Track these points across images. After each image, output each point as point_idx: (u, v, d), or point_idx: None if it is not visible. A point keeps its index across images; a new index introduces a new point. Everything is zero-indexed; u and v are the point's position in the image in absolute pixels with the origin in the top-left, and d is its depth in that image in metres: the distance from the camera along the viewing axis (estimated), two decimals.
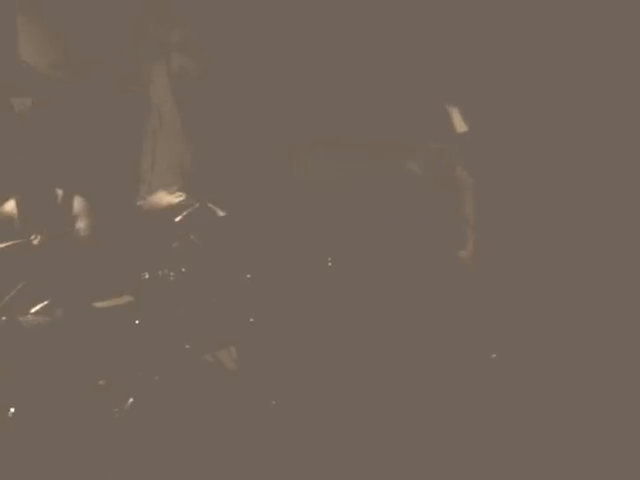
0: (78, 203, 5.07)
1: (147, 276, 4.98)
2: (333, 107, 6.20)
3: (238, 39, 6.28)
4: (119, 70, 6.28)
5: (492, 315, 5.35)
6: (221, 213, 5.14)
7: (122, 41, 6.27)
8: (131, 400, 4.63)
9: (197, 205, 5.12)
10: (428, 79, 5.88)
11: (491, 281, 5.47)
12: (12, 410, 4.42)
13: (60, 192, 5.05)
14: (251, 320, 5.21)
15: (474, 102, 5.81)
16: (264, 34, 6.24)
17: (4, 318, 4.55)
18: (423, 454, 4.53)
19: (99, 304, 4.85)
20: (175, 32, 6.37)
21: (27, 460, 4.34)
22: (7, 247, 4.70)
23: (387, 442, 4.60)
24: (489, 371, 5.10)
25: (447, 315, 5.36)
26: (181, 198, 5.28)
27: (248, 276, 5.31)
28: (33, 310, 4.66)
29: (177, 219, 5.06)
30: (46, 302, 4.68)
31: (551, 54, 5.73)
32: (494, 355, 5.15)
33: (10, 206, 4.93)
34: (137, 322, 4.87)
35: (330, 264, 5.51)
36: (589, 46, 5.62)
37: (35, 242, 4.72)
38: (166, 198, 5.30)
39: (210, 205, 5.12)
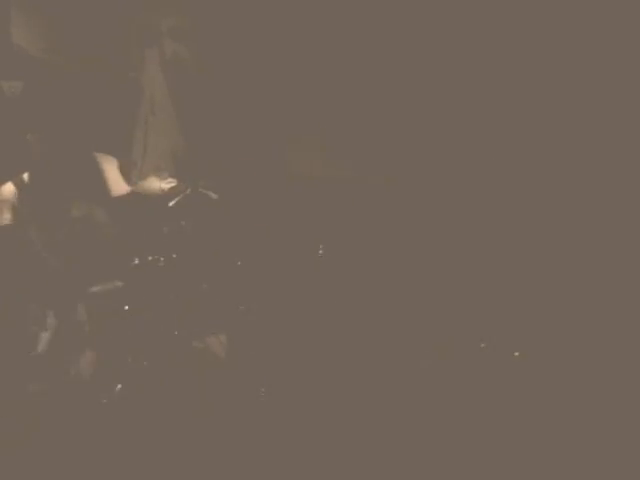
0: (67, 189, 5.05)
1: (137, 261, 4.98)
2: (328, 100, 6.19)
3: (232, 26, 6.25)
4: (112, 56, 6.25)
5: (484, 305, 5.36)
6: (212, 199, 5.14)
7: (115, 27, 6.25)
8: (119, 386, 4.64)
9: (188, 191, 5.12)
10: (424, 78, 5.88)
11: (484, 271, 5.48)
12: None
13: (50, 176, 5.02)
14: (241, 307, 5.21)
15: (472, 101, 5.83)
16: (259, 21, 6.22)
17: None
18: (411, 442, 4.53)
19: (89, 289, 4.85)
20: (168, 18, 6.34)
21: (15, 447, 4.34)
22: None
23: (376, 431, 4.60)
24: (480, 361, 5.10)
25: (438, 305, 5.36)
26: (172, 184, 5.28)
27: (239, 263, 5.31)
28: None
29: (170, 204, 5.06)
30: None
31: (549, 57, 5.75)
32: (483, 345, 5.14)
33: (8, 190, 4.90)
34: (126, 307, 4.87)
35: (321, 252, 5.50)
36: (588, 47, 5.63)
37: (28, 226, 4.70)
38: (157, 184, 5.30)
39: (202, 191, 5.12)
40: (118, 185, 4.90)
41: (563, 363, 5.04)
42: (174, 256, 5.06)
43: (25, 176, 4.91)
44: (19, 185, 4.87)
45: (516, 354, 4.99)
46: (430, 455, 4.44)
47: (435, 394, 4.87)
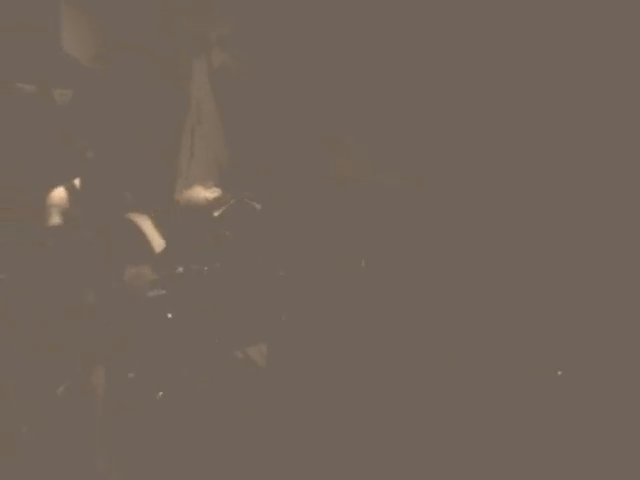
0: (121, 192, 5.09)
1: (181, 270, 5.01)
2: (372, 108, 6.19)
3: (279, 36, 6.28)
4: (160, 65, 6.31)
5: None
6: (257, 210, 5.16)
7: (164, 36, 6.30)
8: (160, 394, 4.66)
9: (233, 201, 5.14)
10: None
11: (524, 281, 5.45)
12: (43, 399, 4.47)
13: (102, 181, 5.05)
14: (283, 317, 5.22)
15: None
16: (305, 32, 6.24)
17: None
18: (456, 458, 4.51)
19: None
20: (216, 28, 6.39)
21: (55, 450, 4.38)
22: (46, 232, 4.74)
23: (421, 446, 4.58)
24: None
25: (475, 322, 5.34)
26: (217, 194, 5.30)
27: (281, 274, 5.33)
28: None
29: (215, 214, 5.09)
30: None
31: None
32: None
33: (59, 195, 4.95)
34: (169, 316, 4.89)
35: (364, 265, 5.50)
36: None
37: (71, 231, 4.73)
38: (203, 193, 5.33)
39: (246, 201, 5.14)
40: (159, 241, 4.94)
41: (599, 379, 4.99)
42: (218, 265, 5.08)
43: (76, 182, 4.97)
44: (70, 190, 4.93)
45: (559, 373, 4.95)
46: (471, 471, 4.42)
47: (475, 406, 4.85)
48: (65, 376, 4.56)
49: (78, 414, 4.48)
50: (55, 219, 4.86)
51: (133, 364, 4.71)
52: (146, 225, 4.84)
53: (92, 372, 4.57)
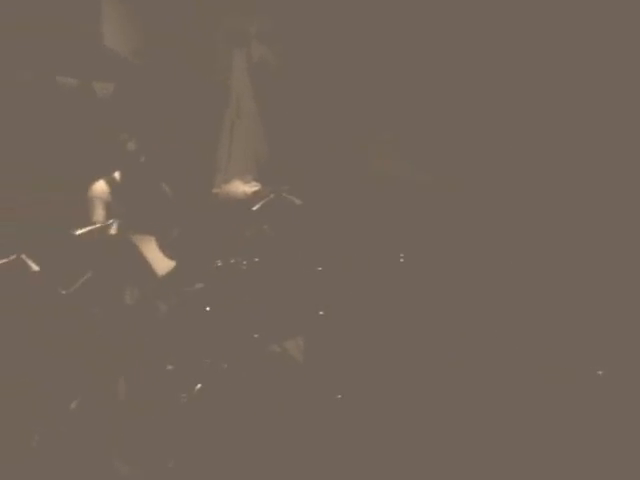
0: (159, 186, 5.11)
1: (220, 264, 5.02)
2: (410, 105, 6.18)
3: (318, 30, 6.29)
4: (200, 60, 6.34)
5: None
6: (296, 204, 5.15)
7: (204, 31, 6.33)
8: (199, 386, 4.68)
9: (272, 196, 5.13)
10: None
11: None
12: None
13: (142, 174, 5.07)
14: (320, 312, 5.22)
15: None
16: (343, 26, 6.24)
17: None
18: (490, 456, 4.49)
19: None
20: (255, 22, 6.41)
21: (95, 442, 4.41)
22: (85, 233, 4.76)
23: (460, 441, 4.56)
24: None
25: (512, 311, 5.32)
26: (256, 188, 5.31)
27: (319, 268, 5.33)
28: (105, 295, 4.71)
29: (253, 209, 5.09)
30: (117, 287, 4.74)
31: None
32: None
33: (100, 187, 4.99)
34: (208, 309, 4.91)
35: (402, 260, 5.49)
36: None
37: (112, 229, 4.75)
38: (242, 187, 5.34)
39: (285, 196, 5.14)
40: (162, 263, 4.89)
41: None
42: (256, 260, 5.09)
43: (117, 174, 5.00)
44: (111, 183, 4.96)
45: (599, 372, 4.90)
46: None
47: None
48: (86, 382, 4.60)
49: (99, 418, 4.51)
50: (98, 211, 4.90)
51: (172, 356, 4.73)
52: (149, 247, 4.81)
53: (115, 380, 4.61)
